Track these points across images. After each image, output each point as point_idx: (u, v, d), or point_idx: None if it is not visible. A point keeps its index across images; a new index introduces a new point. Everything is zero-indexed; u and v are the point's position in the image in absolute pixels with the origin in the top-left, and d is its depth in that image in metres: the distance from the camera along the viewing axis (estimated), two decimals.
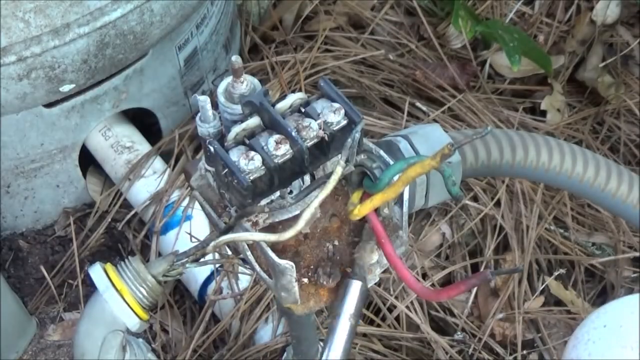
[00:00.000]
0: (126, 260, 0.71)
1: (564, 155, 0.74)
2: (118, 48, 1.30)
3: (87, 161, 1.47)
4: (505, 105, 1.62)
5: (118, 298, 0.69)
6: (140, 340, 0.77)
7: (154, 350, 1.36)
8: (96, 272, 0.70)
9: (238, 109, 0.70)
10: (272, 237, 0.66)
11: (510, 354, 1.36)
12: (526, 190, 1.45)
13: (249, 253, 0.71)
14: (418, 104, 1.56)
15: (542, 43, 1.67)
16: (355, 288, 0.72)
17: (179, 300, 1.43)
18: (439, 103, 1.58)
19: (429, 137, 0.79)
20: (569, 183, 0.70)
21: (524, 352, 1.37)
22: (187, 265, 0.71)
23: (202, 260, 0.72)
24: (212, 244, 0.68)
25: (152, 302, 0.71)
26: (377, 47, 1.67)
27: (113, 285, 0.69)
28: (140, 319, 0.71)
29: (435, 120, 1.51)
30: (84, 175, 1.48)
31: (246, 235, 0.67)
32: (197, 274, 1.37)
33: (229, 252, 0.77)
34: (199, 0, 1.40)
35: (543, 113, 1.62)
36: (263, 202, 0.68)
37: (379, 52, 1.64)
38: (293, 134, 0.67)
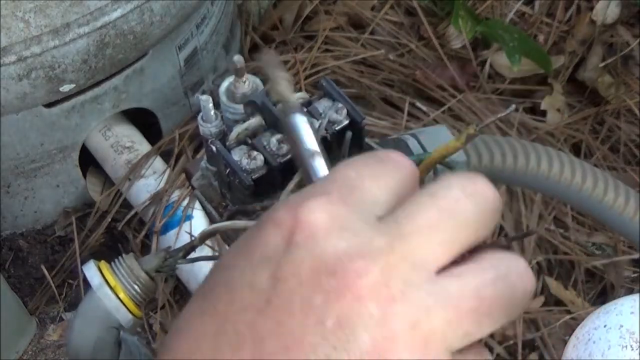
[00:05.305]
0: (120, 257, 0.71)
1: (563, 165, 0.74)
2: (118, 48, 1.30)
3: (87, 161, 1.47)
4: (506, 105, 1.62)
5: (111, 295, 0.69)
6: (136, 337, 0.77)
7: (152, 350, 1.35)
8: (90, 269, 0.70)
9: (240, 108, 0.69)
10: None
11: (510, 354, 1.36)
12: (526, 191, 1.45)
13: None
14: (418, 104, 1.56)
15: (542, 43, 1.67)
16: None
17: (179, 300, 1.43)
18: (439, 103, 1.57)
19: (438, 136, 0.78)
20: (568, 192, 0.70)
21: (524, 352, 1.37)
22: (179, 261, 0.71)
23: (194, 256, 0.71)
24: (199, 235, 0.67)
25: (146, 298, 0.71)
26: (377, 47, 1.67)
27: (106, 282, 0.69)
28: (134, 315, 0.70)
29: (435, 120, 1.51)
30: (84, 175, 1.48)
31: (228, 224, 0.67)
32: (198, 273, 1.37)
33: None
34: (199, 0, 1.40)
35: (543, 113, 1.62)
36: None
37: (379, 52, 1.64)
38: None
